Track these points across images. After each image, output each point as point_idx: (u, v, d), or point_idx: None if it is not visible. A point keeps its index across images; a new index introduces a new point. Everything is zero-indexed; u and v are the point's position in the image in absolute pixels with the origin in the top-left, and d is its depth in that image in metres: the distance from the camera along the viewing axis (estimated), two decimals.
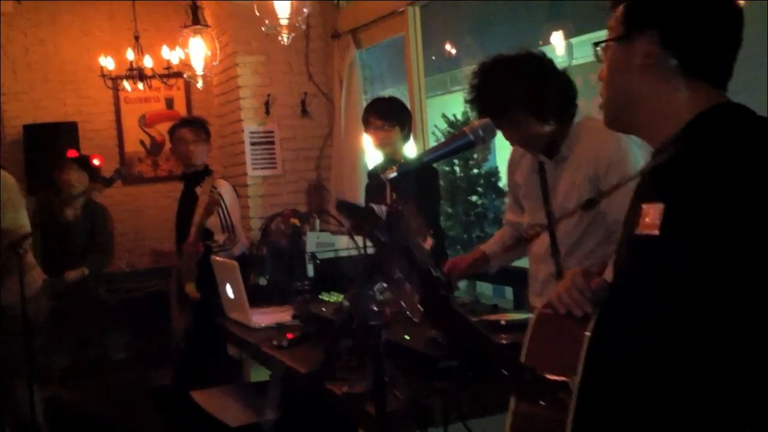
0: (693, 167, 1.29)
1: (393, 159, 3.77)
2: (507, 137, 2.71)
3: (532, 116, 2.48)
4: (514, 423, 1.49)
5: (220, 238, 4.10)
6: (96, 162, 5.69)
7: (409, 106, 5.06)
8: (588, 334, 1.39)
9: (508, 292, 4.98)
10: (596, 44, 1.48)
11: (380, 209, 3.53)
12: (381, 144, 3.95)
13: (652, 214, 1.32)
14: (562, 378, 1.36)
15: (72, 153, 5.67)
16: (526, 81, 2.42)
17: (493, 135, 1.70)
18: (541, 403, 1.41)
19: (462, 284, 3.64)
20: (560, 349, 1.45)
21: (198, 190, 4.22)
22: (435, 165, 3.89)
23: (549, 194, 2.61)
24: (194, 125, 4.50)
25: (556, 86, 2.51)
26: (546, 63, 2.52)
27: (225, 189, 4.33)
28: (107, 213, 5.41)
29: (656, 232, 1.30)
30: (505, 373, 1.43)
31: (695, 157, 1.30)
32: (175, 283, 4.34)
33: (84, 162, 5.41)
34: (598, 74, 1.50)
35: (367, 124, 3.97)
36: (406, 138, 3.96)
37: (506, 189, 3.15)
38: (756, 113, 1.40)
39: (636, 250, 1.37)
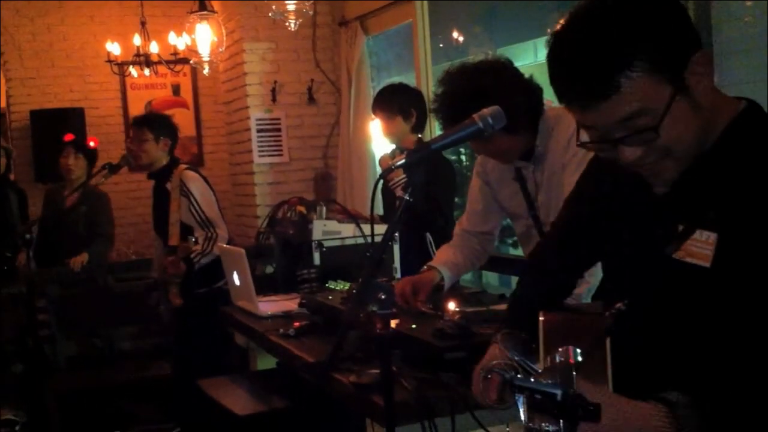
0: (751, 196, 1.19)
1: (402, 147, 3.74)
2: (476, 149, 2.61)
3: (504, 132, 2.21)
4: None
5: (199, 235, 4.05)
6: (92, 144, 5.67)
7: None
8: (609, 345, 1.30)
9: (515, 281, 4.96)
10: (640, 132, 1.22)
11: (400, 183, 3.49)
12: (385, 133, 3.92)
13: (700, 243, 1.24)
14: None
15: (68, 137, 5.61)
16: (494, 96, 2.14)
17: (503, 123, 1.66)
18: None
19: (468, 275, 3.60)
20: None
21: (168, 185, 4.19)
22: (450, 158, 3.82)
23: (532, 197, 2.55)
24: (138, 125, 4.27)
25: (524, 94, 2.37)
26: (511, 71, 2.40)
27: (193, 183, 4.16)
28: (107, 199, 5.38)
29: (707, 264, 1.23)
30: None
31: (750, 185, 1.20)
32: (161, 279, 4.33)
33: (79, 145, 5.39)
34: (634, 161, 1.26)
35: (374, 113, 3.96)
36: (416, 128, 3.87)
37: None
38: None
39: (677, 276, 1.27)
